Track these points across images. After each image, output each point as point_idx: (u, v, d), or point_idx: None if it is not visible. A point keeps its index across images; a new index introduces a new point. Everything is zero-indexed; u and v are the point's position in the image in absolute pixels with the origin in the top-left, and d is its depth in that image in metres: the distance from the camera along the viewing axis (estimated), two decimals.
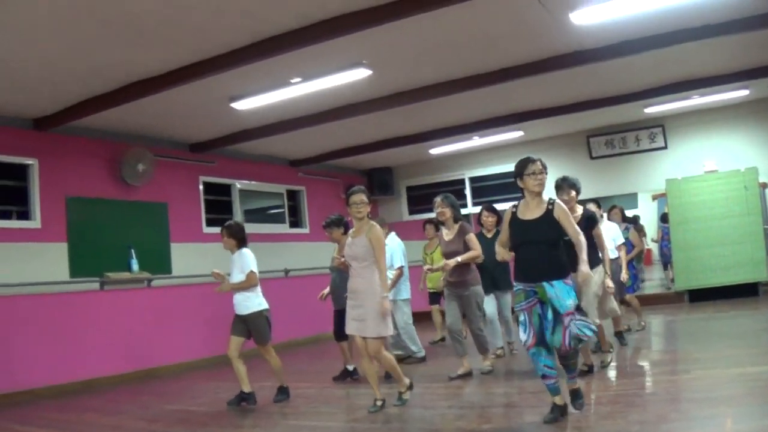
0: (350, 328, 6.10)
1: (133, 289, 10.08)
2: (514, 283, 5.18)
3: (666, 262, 15.62)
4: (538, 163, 5.05)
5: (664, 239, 15.88)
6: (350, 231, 6.28)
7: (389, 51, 7.92)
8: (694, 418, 4.87)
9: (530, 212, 5.10)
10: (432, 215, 8.71)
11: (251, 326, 6.78)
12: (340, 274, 7.43)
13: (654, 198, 18.65)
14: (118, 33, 6.58)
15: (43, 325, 8.69)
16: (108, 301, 9.63)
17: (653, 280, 17.19)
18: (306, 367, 9.53)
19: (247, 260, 6.80)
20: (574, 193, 6.61)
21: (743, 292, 11.74)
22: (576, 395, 5.19)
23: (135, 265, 10.14)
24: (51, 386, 8.55)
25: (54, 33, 6.44)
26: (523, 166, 5.08)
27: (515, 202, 5.23)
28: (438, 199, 7.34)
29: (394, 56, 8.16)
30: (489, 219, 8.42)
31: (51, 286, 9.06)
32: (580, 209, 6.56)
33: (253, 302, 6.77)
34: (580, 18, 7.05)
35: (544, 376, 5.04)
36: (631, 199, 17.96)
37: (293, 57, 7.37)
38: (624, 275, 8.28)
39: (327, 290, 8.13)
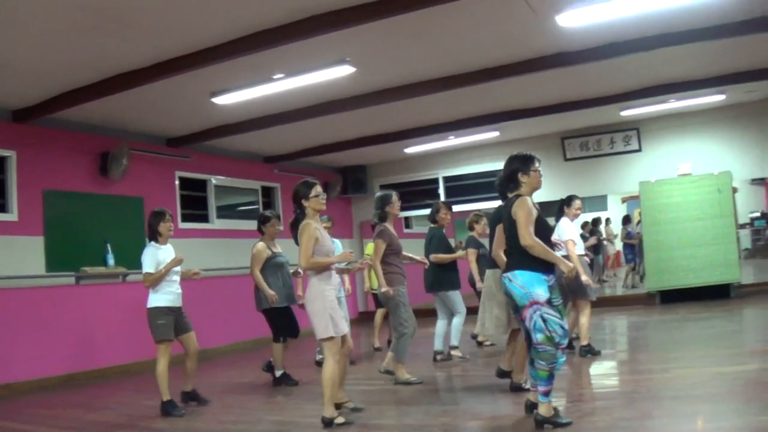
0: (345, 328, 5.66)
1: (108, 284, 9.94)
2: (548, 275, 4.86)
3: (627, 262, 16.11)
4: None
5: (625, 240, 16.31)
6: (318, 224, 5.59)
7: (374, 49, 7.91)
8: (677, 415, 4.94)
9: None
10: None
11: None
12: (283, 272, 7.70)
13: (623, 200, 18.93)
14: (102, 24, 6.47)
15: (19, 319, 8.57)
16: (84, 296, 9.51)
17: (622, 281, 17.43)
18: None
19: None
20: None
21: (715, 294, 11.93)
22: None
23: (111, 260, 10.00)
24: (30, 381, 8.46)
25: (35, 23, 6.32)
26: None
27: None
28: None
29: (379, 54, 8.15)
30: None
31: (27, 279, 8.94)
32: None
33: None
34: (567, 20, 7.09)
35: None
36: (601, 201, 18.18)
37: (277, 52, 7.34)
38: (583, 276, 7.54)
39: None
